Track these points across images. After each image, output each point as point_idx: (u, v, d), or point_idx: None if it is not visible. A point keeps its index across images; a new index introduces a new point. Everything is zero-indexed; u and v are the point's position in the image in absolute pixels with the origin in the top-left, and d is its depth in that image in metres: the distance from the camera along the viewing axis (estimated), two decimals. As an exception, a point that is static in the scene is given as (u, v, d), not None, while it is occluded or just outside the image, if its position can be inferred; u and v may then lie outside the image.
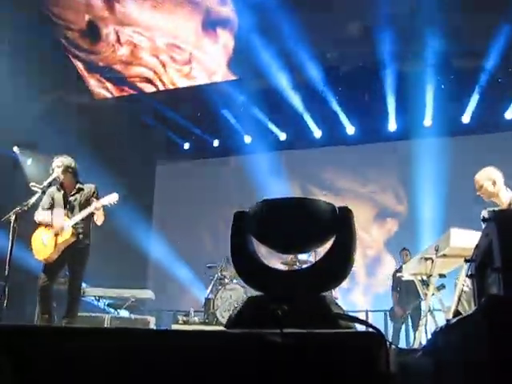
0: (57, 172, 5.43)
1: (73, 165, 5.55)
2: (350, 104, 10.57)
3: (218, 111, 10.96)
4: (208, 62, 10.07)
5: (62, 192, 5.52)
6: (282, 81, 10.07)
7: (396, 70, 9.51)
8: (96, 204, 5.32)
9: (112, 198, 5.40)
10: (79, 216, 5.33)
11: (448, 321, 2.00)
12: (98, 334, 1.83)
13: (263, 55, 9.18)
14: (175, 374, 1.63)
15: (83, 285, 6.03)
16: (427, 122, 10.42)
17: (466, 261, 2.35)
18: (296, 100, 10.53)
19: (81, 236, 5.37)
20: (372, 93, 10.29)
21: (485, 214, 4.46)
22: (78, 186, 5.55)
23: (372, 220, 11.05)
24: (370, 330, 1.66)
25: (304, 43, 9.09)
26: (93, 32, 9.78)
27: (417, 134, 10.18)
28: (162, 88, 10.54)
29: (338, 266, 2.09)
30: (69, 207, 5.45)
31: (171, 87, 10.54)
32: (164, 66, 10.21)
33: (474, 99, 9.85)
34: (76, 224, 5.33)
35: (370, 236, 10.95)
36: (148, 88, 10.57)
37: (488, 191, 4.67)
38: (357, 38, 9.21)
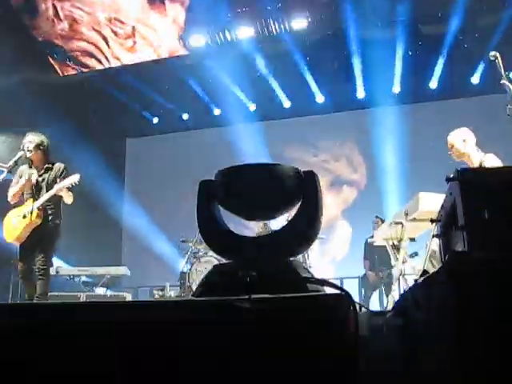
0: (27, 149, 5.33)
1: (44, 142, 5.46)
2: (319, 73, 10.53)
3: (186, 84, 10.84)
4: (153, 35, 9.91)
5: (33, 170, 5.44)
6: (251, 50, 9.99)
7: (363, 37, 9.48)
8: (57, 186, 5.25)
9: (73, 179, 5.30)
10: (44, 197, 5.25)
11: (416, 280, 2.03)
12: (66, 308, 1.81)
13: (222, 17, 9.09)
14: (144, 345, 1.62)
15: (56, 263, 6.00)
16: (396, 89, 10.47)
17: (432, 221, 2.38)
18: (264, 69, 10.48)
19: (50, 217, 5.32)
20: (340, 61, 10.27)
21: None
22: (46, 165, 5.45)
23: (327, 188, 11.11)
24: (339, 292, 1.67)
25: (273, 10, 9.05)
26: (30, 7, 9.54)
27: (385, 102, 10.22)
28: (105, 63, 10.39)
29: (304, 229, 2.09)
30: (36, 187, 5.37)
31: (115, 61, 10.37)
32: (106, 40, 10.03)
33: (441, 65, 9.91)
34: (43, 204, 5.27)
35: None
36: (91, 62, 10.39)
37: (459, 151, 4.73)
38: (325, 5, 9.15)
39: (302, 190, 2.09)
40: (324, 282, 1.86)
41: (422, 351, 1.74)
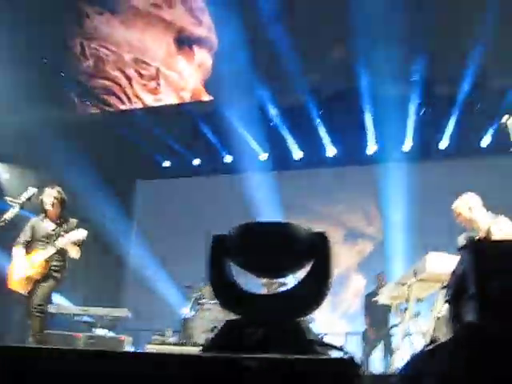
0: (48, 203, 5.42)
1: (65, 200, 5.62)
2: (331, 127, 10.66)
3: (199, 129, 10.98)
4: (177, 78, 10.10)
5: (48, 223, 5.52)
6: (264, 101, 10.15)
7: (376, 95, 9.62)
8: (63, 240, 5.31)
9: (80, 235, 5.38)
10: (49, 251, 5.31)
11: (425, 347, 2.01)
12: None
13: (243, 75, 9.25)
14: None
15: (58, 301, 5.99)
16: (406, 147, 10.56)
17: (443, 287, 2.37)
18: (278, 120, 10.62)
19: (56, 268, 5.39)
20: (352, 117, 10.40)
21: (461, 239, 4.52)
22: (60, 219, 5.55)
23: (342, 242, 11.09)
24: (344, 355, 1.66)
25: (288, 66, 9.21)
26: (57, 43, 9.81)
27: (395, 158, 10.29)
28: (127, 103, 10.54)
29: (314, 291, 2.09)
30: (48, 240, 5.44)
31: (136, 102, 10.54)
32: (129, 79, 10.22)
33: (452, 126, 10.01)
34: (50, 257, 5.33)
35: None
36: (112, 102, 10.54)
37: (466, 218, 4.70)
38: (338, 63, 9.33)
39: (314, 251, 2.10)
40: (330, 346, 1.85)
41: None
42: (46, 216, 5.54)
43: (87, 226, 5.57)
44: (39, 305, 5.24)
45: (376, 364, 8.30)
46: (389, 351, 8.19)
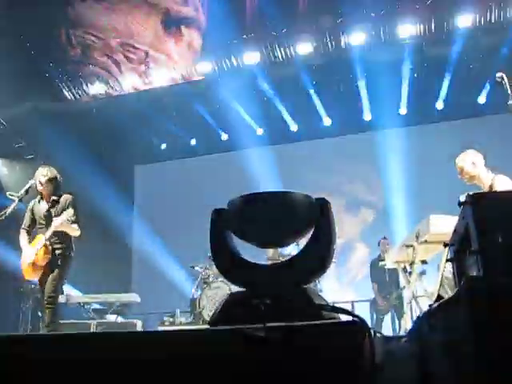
0: (38, 182, 5.38)
1: (58, 177, 5.51)
2: (325, 96, 10.61)
3: (193, 109, 10.94)
4: (167, 60, 10.02)
5: (43, 204, 5.49)
6: (257, 74, 10.08)
7: (369, 59, 9.55)
8: (53, 224, 5.26)
9: (66, 215, 5.30)
10: (47, 233, 5.27)
11: (431, 305, 2.02)
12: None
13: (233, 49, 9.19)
14: (161, 375, 1.62)
15: (66, 291, 6.02)
16: (402, 110, 10.51)
17: (445, 245, 2.37)
18: (271, 94, 10.55)
19: (59, 250, 5.35)
20: (346, 84, 10.35)
21: (462, 198, 4.52)
22: (52, 197, 5.46)
23: (344, 210, 11.09)
24: (354, 319, 1.66)
25: (278, 34, 9.14)
26: (42, 33, 9.68)
27: (392, 124, 10.26)
28: (118, 88, 10.47)
29: (317, 258, 2.09)
30: (45, 221, 5.42)
31: (127, 87, 10.46)
32: (118, 65, 10.14)
33: (447, 86, 9.95)
34: (51, 238, 5.30)
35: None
36: (102, 88, 10.47)
37: (469, 174, 4.70)
38: (329, 29, 9.24)
39: (315, 217, 2.10)
40: (338, 309, 1.86)
41: (438, 377, 1.72)
42: (42, 197, 5.49)
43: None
44: (50, 296, 5.21)
45: (386, 328, 8.37)
46: (398, 315, 8.25)
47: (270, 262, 7.19)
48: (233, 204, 2.14)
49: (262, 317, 1.61)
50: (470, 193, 1.79)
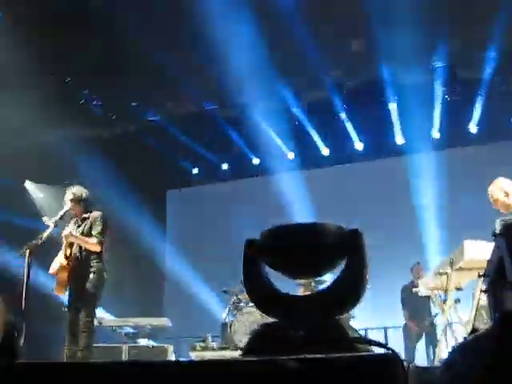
0: (67, 205, 5.49)
1: (84, 195, 5.59)
2: (356, 121, 10.60)
3: (226, 133, 11.04)
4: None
5: (72, 225, 5.58)
6: (288, 100, 10.14)
7: (400, 83, 9.53)
8: (63, 233, 5.37)
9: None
10: (63, 248, 5.38)
11: (465, 338, 2.00)
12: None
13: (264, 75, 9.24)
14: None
15: (98, 314, 6.05)
16: (435, 134, 10.43)
17: (480, 276, 2.34)
18: (303, 119, 10.60)
19: (84, 269, 5.37)
20: (377, 109, 10.33)
21: (497, 224, 4.45)
22: (83, 215, 5.57)
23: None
24: (387, 351, 1.66)
25: (307, 61, 9.17)
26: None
27: (424, 147, 10.17)
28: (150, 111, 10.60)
29: (350, 289, 2.08)
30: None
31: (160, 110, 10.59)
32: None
33: (480, 109, 9.86)
34: (73, 255, 5.37)
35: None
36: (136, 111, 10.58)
37: (504, 204, 4.61)
38: (359, 54, 9.25)
39: (347, 249, 2.10)
40: (371, 342, 1.85)
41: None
42: (76, 217, 5.62)
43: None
44: (87, 320, 5.23)
45: (419, 357, 8.21)
46: (431, 343, 8.10)
47: (302, 290, 7.16)
48: (265, 235, 2.15)
49: (296, 348, 1.61)
50: (505, 219, 1.77)
